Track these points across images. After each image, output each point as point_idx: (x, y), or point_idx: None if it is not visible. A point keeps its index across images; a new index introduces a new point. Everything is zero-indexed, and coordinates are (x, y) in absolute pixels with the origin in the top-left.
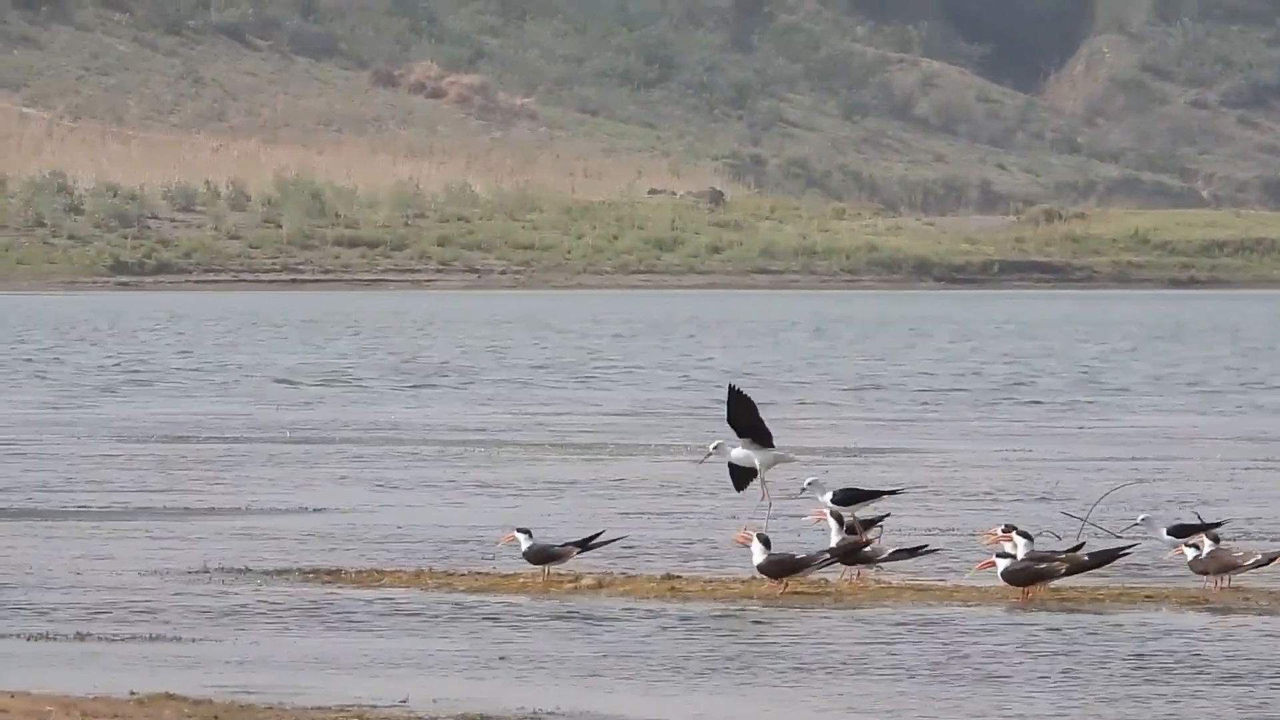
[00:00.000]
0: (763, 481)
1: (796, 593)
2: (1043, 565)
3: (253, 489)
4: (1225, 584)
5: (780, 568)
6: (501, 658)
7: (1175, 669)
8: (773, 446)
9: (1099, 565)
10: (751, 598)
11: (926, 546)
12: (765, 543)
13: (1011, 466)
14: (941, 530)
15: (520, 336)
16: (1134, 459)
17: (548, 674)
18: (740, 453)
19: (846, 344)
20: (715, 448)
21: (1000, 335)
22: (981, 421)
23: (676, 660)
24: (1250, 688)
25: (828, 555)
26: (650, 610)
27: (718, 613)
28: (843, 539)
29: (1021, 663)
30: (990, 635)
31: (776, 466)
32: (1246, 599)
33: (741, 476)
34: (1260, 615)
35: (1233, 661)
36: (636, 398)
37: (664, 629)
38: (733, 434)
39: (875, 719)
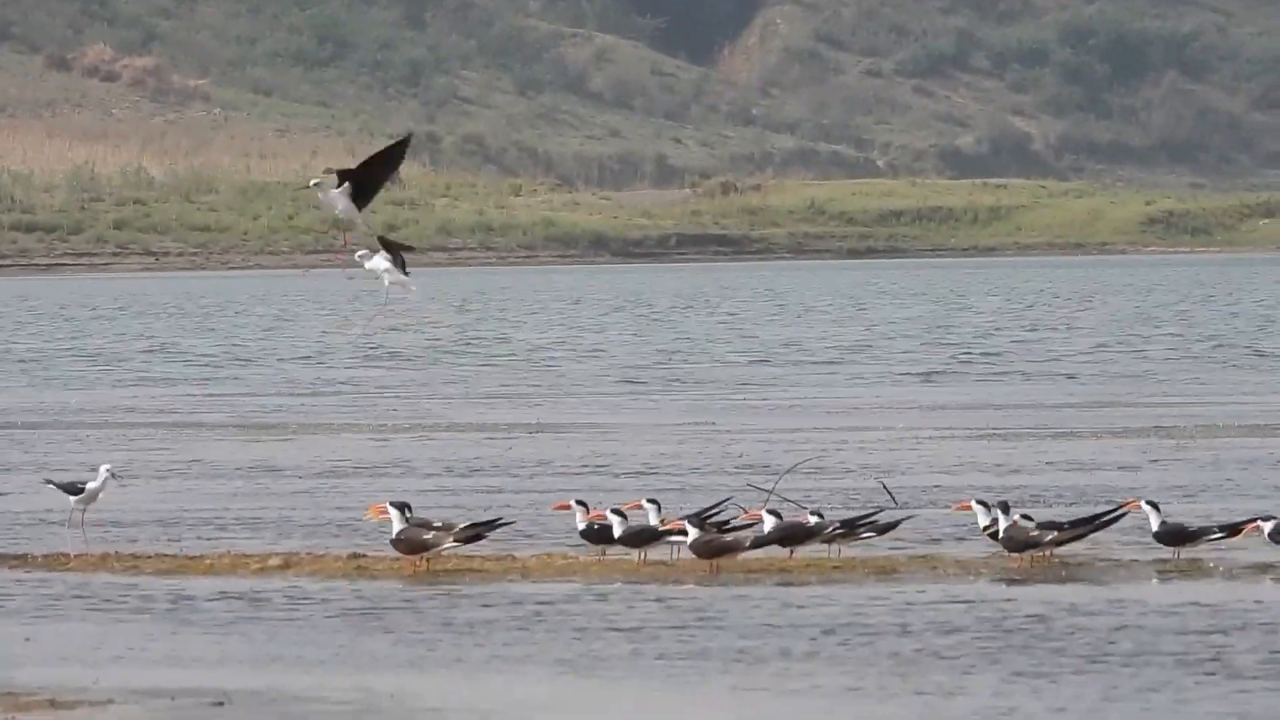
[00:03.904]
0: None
1: (480, 570)
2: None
3: None
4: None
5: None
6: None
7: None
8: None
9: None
10: (435, 573)
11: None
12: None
13: (699, 439)
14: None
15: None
16: (819, 430)
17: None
18: (375, 263)
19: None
20: (359, 255)
21: (678, 308)
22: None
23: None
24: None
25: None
26: (325, 590)
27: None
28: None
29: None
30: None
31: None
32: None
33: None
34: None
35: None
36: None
37: (342, 609)
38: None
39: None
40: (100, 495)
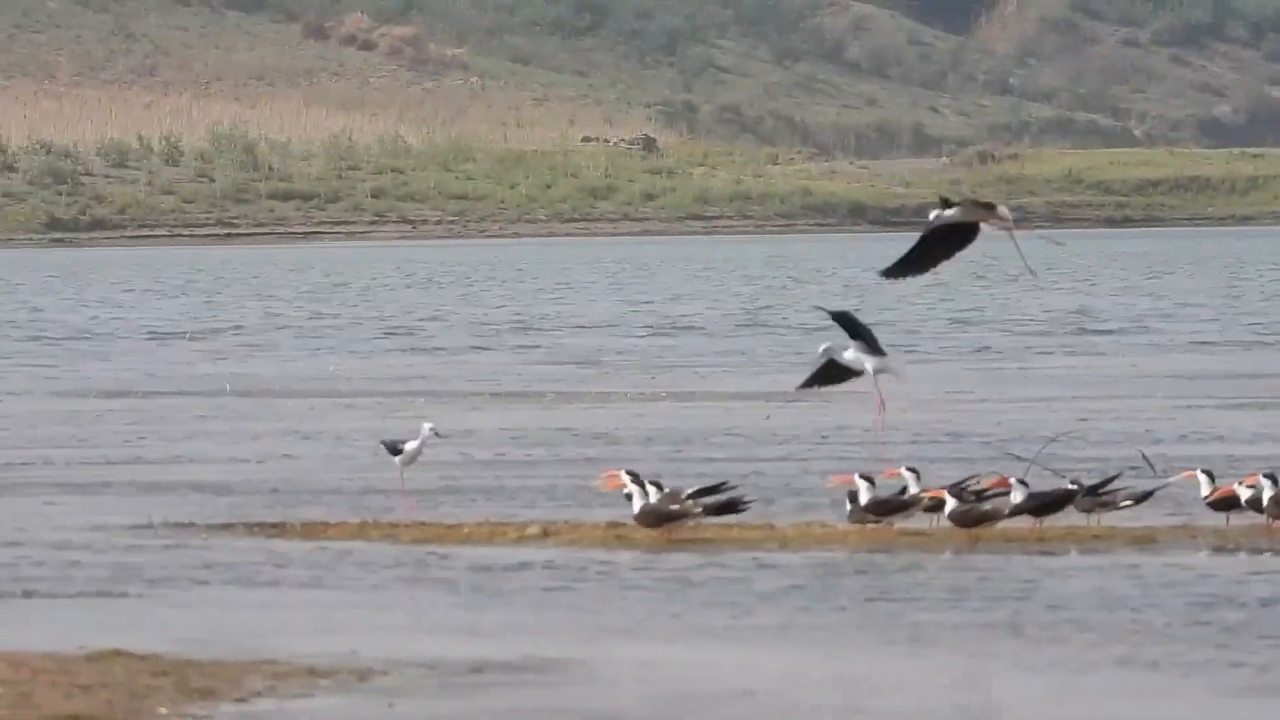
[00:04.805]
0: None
1: (738, 540)
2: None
3: (194, 442)
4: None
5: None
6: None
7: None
8: (884, 354)
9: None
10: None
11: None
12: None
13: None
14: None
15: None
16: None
17: None
18: (851, 355)
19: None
20: (823, 350)
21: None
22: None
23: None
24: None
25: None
26: (583, 560)
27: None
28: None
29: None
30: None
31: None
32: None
33: (834, 375)
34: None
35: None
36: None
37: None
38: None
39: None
40: (422, 454)
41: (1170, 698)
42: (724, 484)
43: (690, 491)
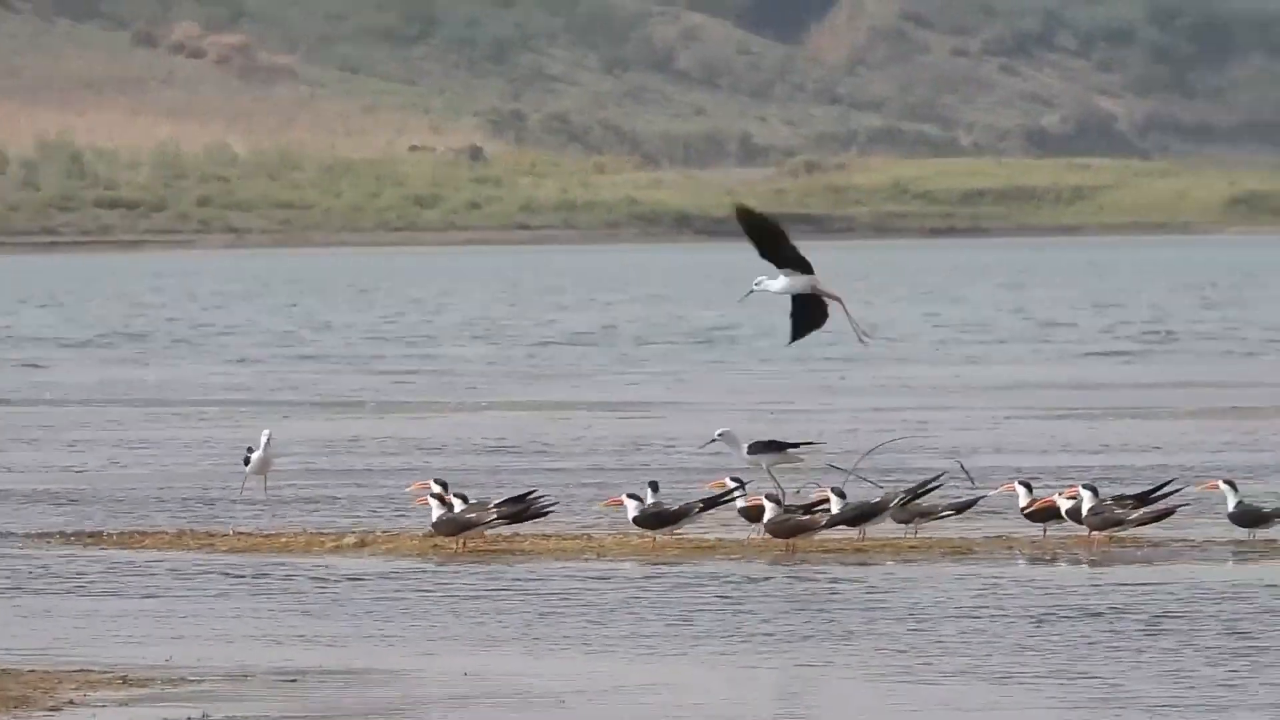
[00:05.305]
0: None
1: (558, 550)
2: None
3: (9, 453)
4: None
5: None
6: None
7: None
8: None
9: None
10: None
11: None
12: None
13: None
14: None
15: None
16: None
17: None
18: (783, 283)
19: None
20: (756, 283)
21: None
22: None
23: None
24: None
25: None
26: (399, 570)
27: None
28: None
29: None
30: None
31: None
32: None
33: (807, 312)
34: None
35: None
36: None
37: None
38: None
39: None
40: (273, 461)
41: (1016, 711)
42: (531, 493)
43: (498, 501)
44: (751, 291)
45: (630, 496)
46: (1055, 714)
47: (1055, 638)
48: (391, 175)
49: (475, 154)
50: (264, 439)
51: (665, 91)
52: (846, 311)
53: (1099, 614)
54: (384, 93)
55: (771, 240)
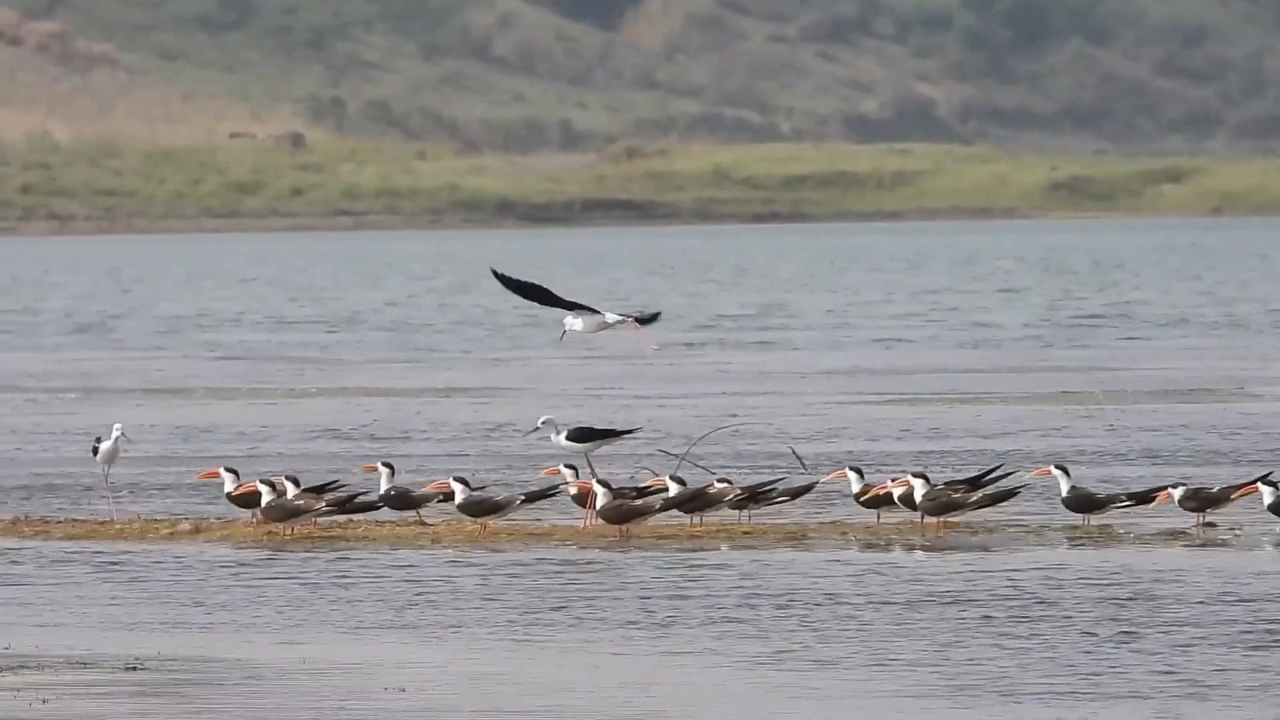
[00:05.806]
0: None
1: (394, 537)
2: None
3: None
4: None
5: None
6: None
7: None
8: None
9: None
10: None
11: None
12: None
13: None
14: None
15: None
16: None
17: None
18: (584, 322)
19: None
20: (565, 325)
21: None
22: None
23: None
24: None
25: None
26: (237, 555)
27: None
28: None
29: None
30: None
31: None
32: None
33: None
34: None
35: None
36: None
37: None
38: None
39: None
40: (118, 453)
41: (855, 699)
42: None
43: (334, 488)
44: (565, 333)
45: (457, 480)
46: (888, 702)
47: (879, 624)
48: (213, 162)
49: (296, 141)
50: (115, 431)
51: (484, 78)
52: (638, 330)
53: (944, 600)
54: (203, 80)
55: (539, 295)
